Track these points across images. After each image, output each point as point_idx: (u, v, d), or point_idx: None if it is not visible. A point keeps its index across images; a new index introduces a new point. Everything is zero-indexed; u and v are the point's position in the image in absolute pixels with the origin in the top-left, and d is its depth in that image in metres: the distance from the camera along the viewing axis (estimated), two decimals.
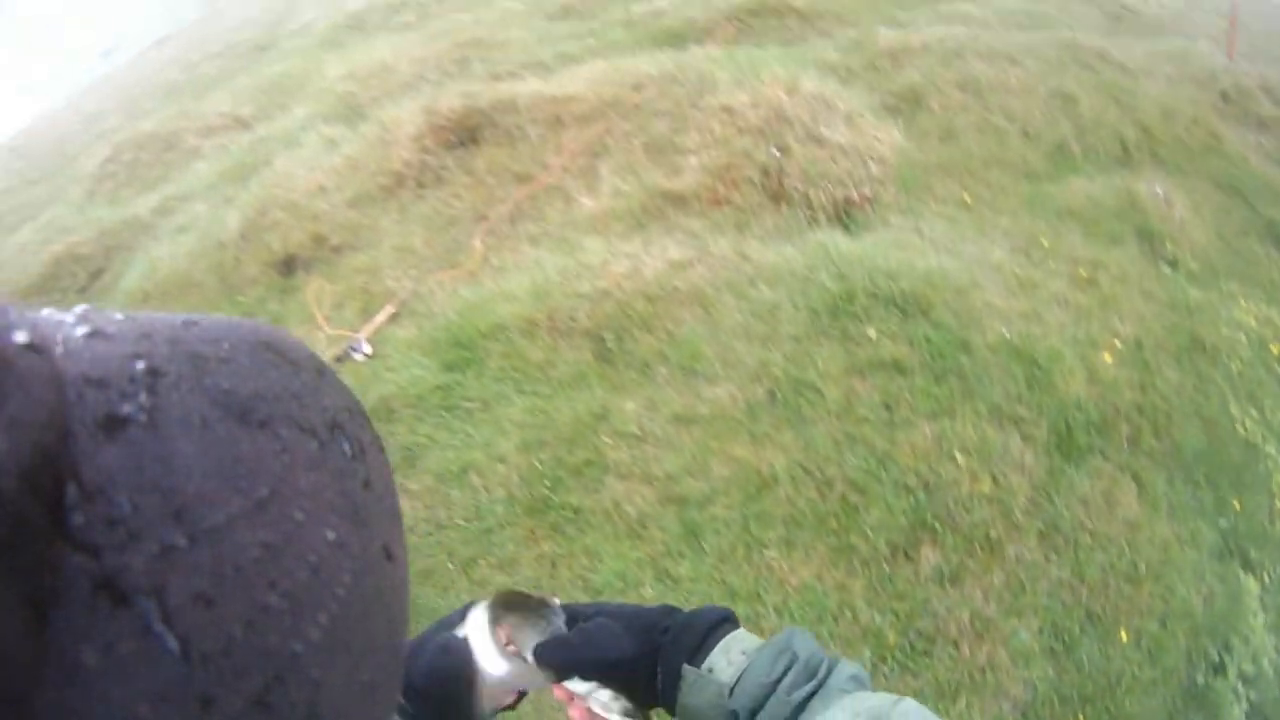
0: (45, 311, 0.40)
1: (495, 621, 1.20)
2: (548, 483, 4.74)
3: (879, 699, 1.04)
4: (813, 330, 5.16)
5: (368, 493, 0.46)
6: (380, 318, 6.16)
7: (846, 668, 1.11)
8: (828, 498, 4.39)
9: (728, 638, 1.18)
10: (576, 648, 1.18)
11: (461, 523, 4.74)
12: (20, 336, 0.33)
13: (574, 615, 1.23)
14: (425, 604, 4.34)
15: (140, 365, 0.37)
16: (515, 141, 7.66)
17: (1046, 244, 6.08)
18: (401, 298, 6.37)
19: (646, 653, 1.18)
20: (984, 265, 5.71)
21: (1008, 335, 5.10)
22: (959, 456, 4.45)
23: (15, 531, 0.29)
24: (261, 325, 0.47)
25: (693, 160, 6.79)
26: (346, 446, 0.45)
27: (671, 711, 1.18)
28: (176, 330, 0.41)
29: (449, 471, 4.89)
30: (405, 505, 4.66)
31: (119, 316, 0.41)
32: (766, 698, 1.08)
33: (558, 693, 1.21)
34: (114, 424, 0.34)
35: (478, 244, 6.70)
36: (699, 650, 1.17)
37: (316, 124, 9.80)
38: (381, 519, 0.47)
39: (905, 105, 7.69)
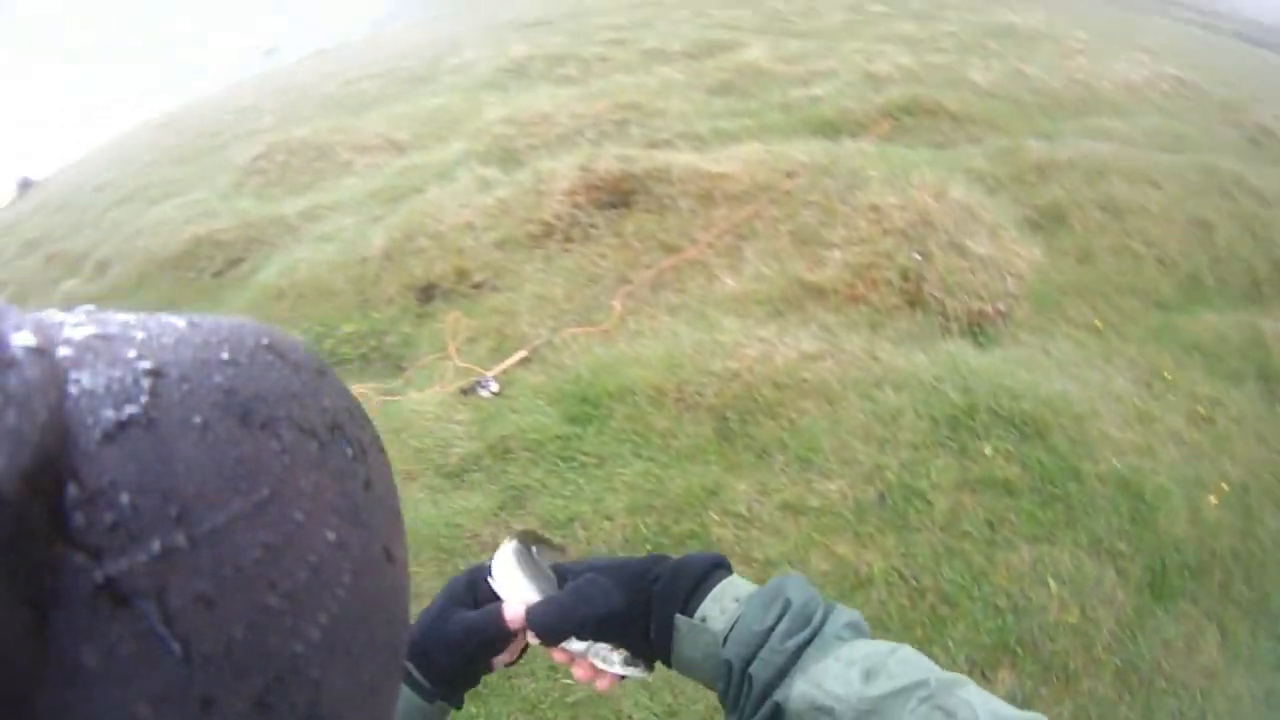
0: (47, 312, 0.41)
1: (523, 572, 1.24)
2: (649, 547, 4.77)
3: (875, 646, 1.07)
4: (931, 440, 5.16)
5: (368, 493, 0.47)
6: (512, 360, 6.26)
7: (843, 615, 1.12)
8: (918, 605, 4.39)
9: (720, 585, 1.19)
10: (568, 608, 1.18)
11: None
12: (22, 337, 0.34)
13: (564, 574, 1.25)
14: None
15: (141, 366, 0.38)
16: (666, 211, 7.75)
17: (1169, 377, 6.01)
18: (535, 344, 6.45)
19: (638, 604, 1.19)
20: (1106, 394, 5.67)
21: (1119, 467, 5.05)
22: (1052, 583, 4.43)
23: (16, 532, 0.29)
24: (262, 326, 0.49)
25: (836, 254, 6.84)
26: (347, 447, 0.47)
27: (668, 663, 1.21)
28: (178, 331, 0.43)
29: (555, 519, 4.93)
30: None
31: (121, 317, 0.42)
32: (759, 646, 1.08)
33: (557, 656, 1.22)
34: (115, 425, 0.35)
35: (617, 305, 6.77)
36: (690, 599, 1.18)
37: (471, 162, 9.96)
38: (382, 520, 0.49)
39: (1047, 222, 7.64)
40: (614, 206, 7.92)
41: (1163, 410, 5.69)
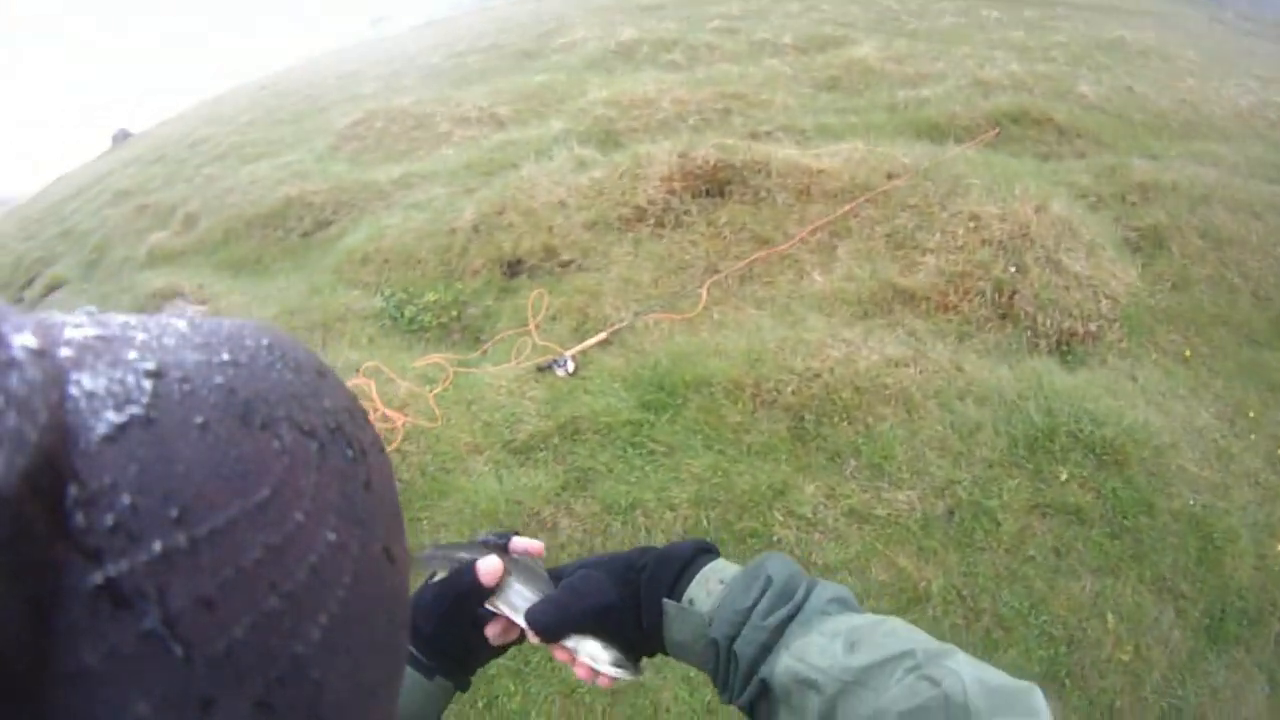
0: (48, 313, 0.41)
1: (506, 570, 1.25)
2: (709, 541, 4.76)
3: (862, 619, 1.07)
4: (1007, 459, 5.12)
5: (369, 494, 0.47)
6: (591, 341, 6.28)
7: (827, 589, 1.13)
8: (973, 626, 4.37)
9: (705, 569, 1.21)
10: (564, 604, 1.20)
11: None
12: (23, 338, 0.34)
13: (558, 575, 1.28)
14: None
15: (142, 367, 0.38)
16: (761, 203, 7.72)
17: (1253, 415, 5.88)
18: (616, 327, 6.48)
19: (629, 594, 1.22)
20: (1188, 427, 5.56)
21: (1192, 505, 4.97)
22: (1110, 618, 4.38)
23: (16, 533, 0.29)
24: (263, 327, 0.50)
25: (930, 260, 6.78)
26: (348, 448, 0.47)
27: (663, 649, 1.23)
28: (178, 332, 0.43)
29: (617, 504, 4.96)
30: (565, 524, 4.84)
31: (122, 319, 0.42)
32: (743, 624, 1.10)
33: (559, 654, 1.24)
34: (116, 426, 0.35)
35: (703, 294, 6.77)
36: (677, 584, 1.21)
37: (570, 141, 9.97)
38: (382, 520, 0.48)
39: (1146, 244, 7.50)
40: (709, 195, 7.90)
41: (1242, 449, 5.58)
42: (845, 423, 5.37)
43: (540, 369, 6.05)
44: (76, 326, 0.39)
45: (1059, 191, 7.61)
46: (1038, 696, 0.88)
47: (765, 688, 1.06)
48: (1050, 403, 5.42)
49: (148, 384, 0.37)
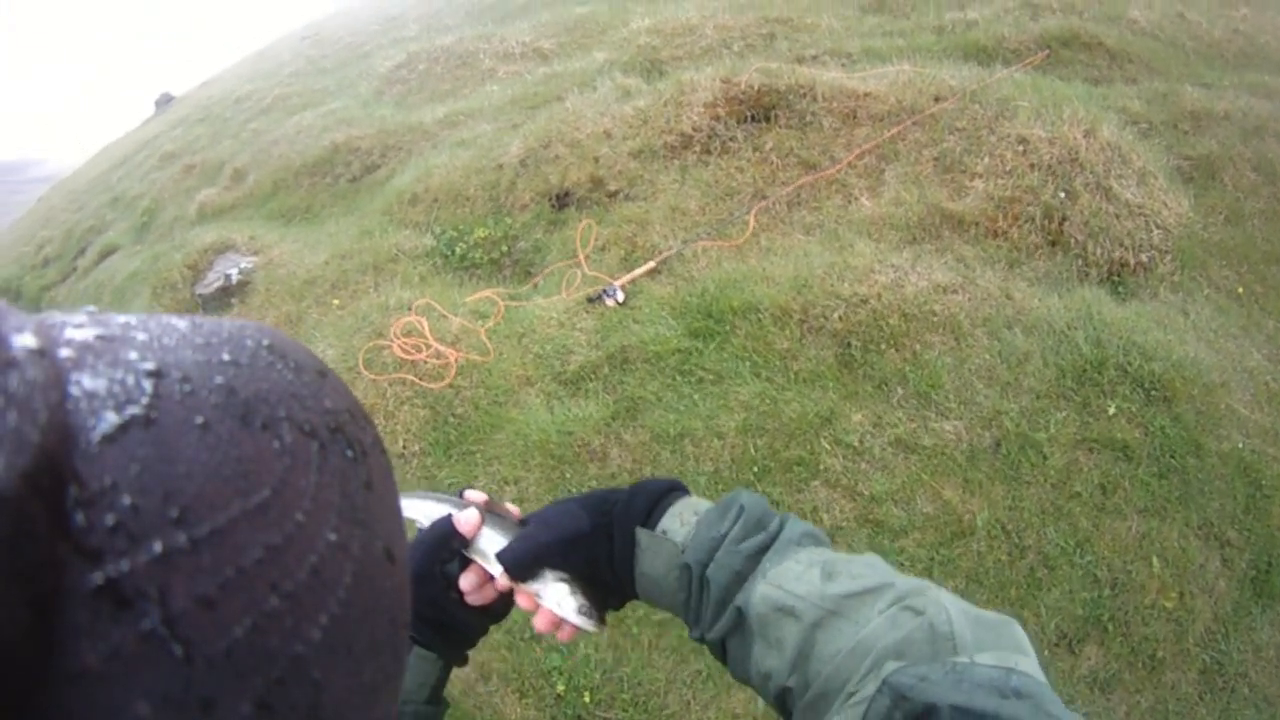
0: (49, 313, 0.41)
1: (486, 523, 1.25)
2: (756, 469, 4.79)
3: (836, 553, 1.08)
4: (1055, 390, 5.10)
5: (369, 494, 0.47)
6: (640, 270, 6.29)
7: (799, 524, 1.14)
8: (1017, 564, 4.37)
9: (678, 503, 1.22)
10: (534, 535, 1.21)
11: None
12: (23, 338, 0.34)
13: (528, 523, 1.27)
14: None
15: (143, 367, 0.38)
16: (807, 128, 7.66)
17: None
18: (664, 255, 6.49)
19: (602, 525, 1.22)
20: (1239, 367, 5.52)
21: (1241, 448, 4.93)
22: (1155, 562, 4.36)
23: (17, 533, 0.30)
24: (264, 327, 0.49)
25: (979, 185, 6.73)
26: (348, 448, 0.46)
27: (632, 588, 1.23)
28: (179, 332, 0.43)
29: (666, 433, 4.99)
30: (614, 453, 4.89)
31: (122, 318, 0.42)
32: (716, 550, 1.10)
33: (522, 601, 1.24)
34: (116, 426, 0.35)
35: (751, 220, 6.76)
36: (650, 515, 1.21)
37: (614, 71, 9.96)
38: (383, 520, 0.48)
39: (1199, 174, 7.39)
40: (754, 120, 7.85)
41: None
42: (892, 350, 5.37)
43: (590, 300, 6.07)
44: (77, 327, 0.39)
45: (1109, 116, 7.50)
46: (1019, 629, 0.90)
47: (740, 618, 1.06)
48: (1100, 333, 5.39)
49: (148, 384, 0.37)
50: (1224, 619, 4.29)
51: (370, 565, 0.44)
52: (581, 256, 6.77)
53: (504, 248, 7.61)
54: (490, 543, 1.23)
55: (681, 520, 1.18)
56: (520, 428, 5.17)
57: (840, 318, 5.52)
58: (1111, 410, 4.97)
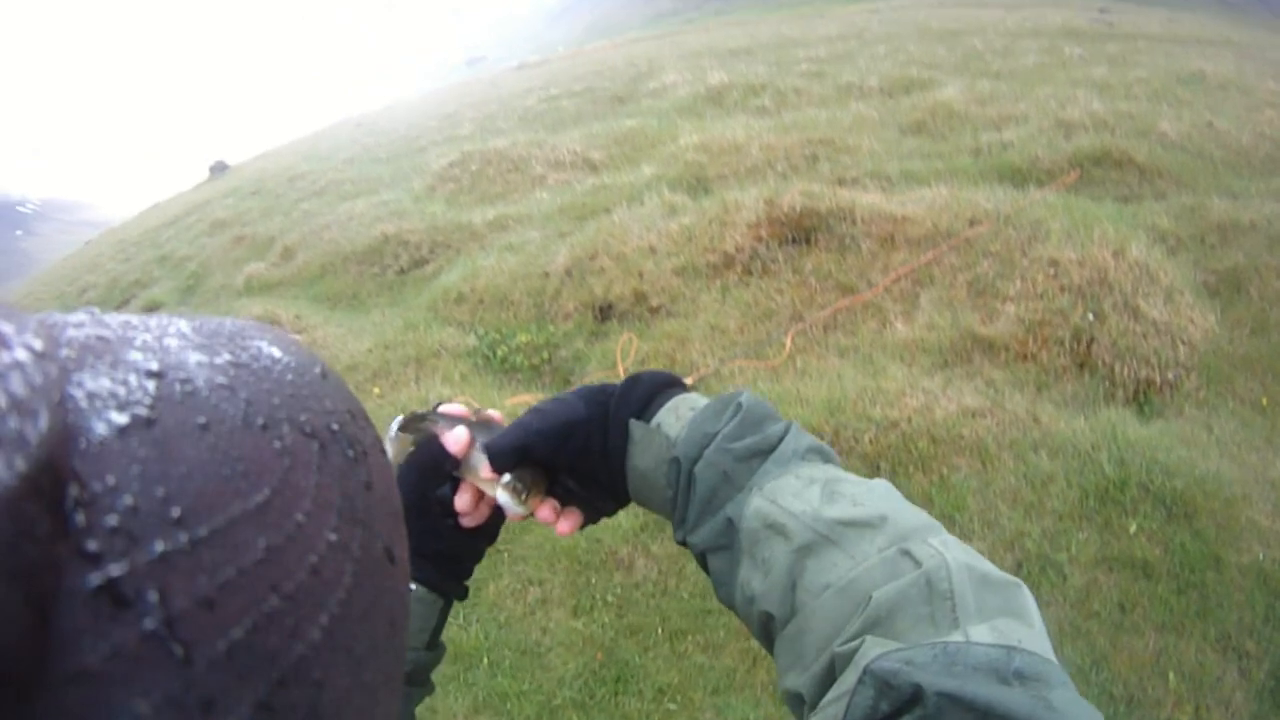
0: (49, 314, 0.41)
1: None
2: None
3: (844, 473, 1.03)
4: (1078, 511, 5.13)
5: (370, 494, 0.47)
6: None
7: (805, 437, 1.08)
8: None
9: (676, 398, 1.17)
10: (527, 423, 1.15)
11: (684, 599, 4.93)
12: (25, 338, 0.34)
13: None
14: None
15: (144, 367, 0.38)
16: (846, 251, 7.85)
17: None
18: (703, 373, 6.61)
19: (597, 416, 1.16)
20: (1261, 479, 5.50)
21: (1261, 560, 4.91)
22: (1172, 677, 4.32)
23: (17, 533, 0.29)
24: (265, 328, 0.49)
25: (1010, 309, 6.85)
26: (349, 449, 0.46)
27: (624, 485, 1.18)
28: (180, 333, 0.43)
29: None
30: (640, 564, 5.14)
31: (123, 318, 0.42)
32: (707, 446, 1.06)
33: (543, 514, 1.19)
34: (117, 427, 0.35)
35: (788, 342, 6.91)
36: (646, 408, 1.16)
37: (661, 186, 10.20)
38: (383, 521, 0.48)
39: (1225, 288, 7.46)
40: (795, 243, 8.05)
41: None
42: (920, 473, 5.45)
43: None
44: (78, 327, 0.40)
45: (1138, 235, 7.63)
46: (1027, 594, 0.85)
47: (731, 531, 1.03)
48: (1123, 453, 5.42)
49: (149, 384, 0.38)
50: None
51: (370, 565, 0.44)
52: (621, 369, 6.91)
53: (545, 354, 7.78)
54: (482, 459, 1.18)
55: (677, 415, 1.14)
56: (549, 531, 5.22)
57: (871, 440, 5.62)
58: (1132, 529, 5.02)
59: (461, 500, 1.21)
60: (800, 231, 8.11)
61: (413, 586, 1.21)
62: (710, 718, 4.31)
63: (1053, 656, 0.77)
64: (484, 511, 1.23)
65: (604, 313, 8.04)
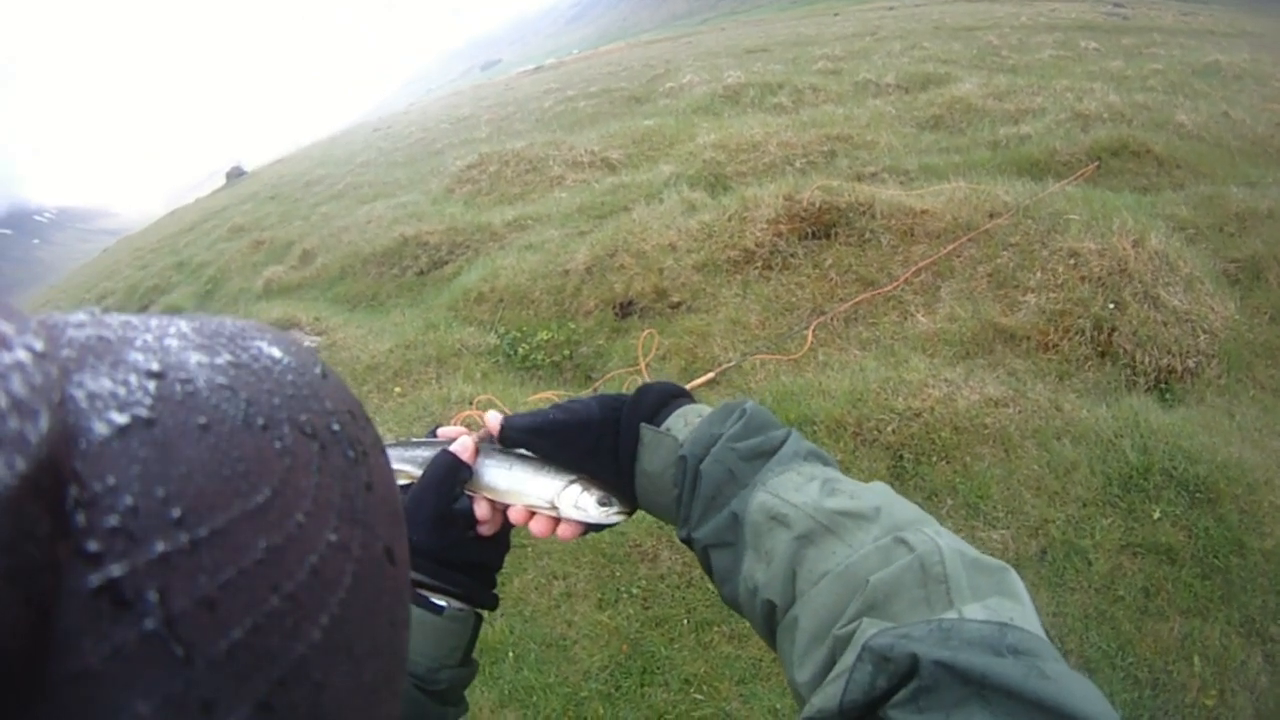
0: (50, 313, 0.41)
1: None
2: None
3: (841, 474, 1.09)
4: (1101, 498, 5.14)
5: (370, 495, 0.46)
6: (700, 380, 6.38)
7: (805, 443, 1.15)
8: None
9: (685, 407, 1.25)
10: (545, 413, 1.25)
11: (709, 591, 4.86)
12: (26, 339, 0.34)
13: None
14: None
15: (144, 368, 0.38)
16: (866, 245, 7.89)
17: None
18: (724, 367, 6.66)
19: (610, 419, 1.24)
20: None
21: None
22: (1197, 661, 4.32)
23: (18, 534, 0.29)
24: (265, 328, 0.49)
25: (1031, 299, 6.89)
26: (349, 449, 0.46)
27: (631, 489, 1.25)
28: (180, 333, 0.43)
29: None
30: (665, 555, 5.19)
31: (123, 319, 0.42)
32: (713, 445, 1.12)
33: (514, 516, 1.27)
34: (118, 427, 0.35)
35: (809, 335, 6.94)
36: (658, 415, 1.24)
37: (680, 184, 10.24)
38: (383, 521, 0.47)
39: (1244, 275, 7.51)
40: (815, 237, 8.08)
41: None
42: (943, 462, 5.47)
43: None
44: (79, 327, 0.40)
45: (1157, 225, 7.64)
46: (1016, 577, 0.88)
47: (736, 525, 1.08)
48: (1146, 440, 5.44)
49: (150, 385, 0.38)
50: (1265, 715, 4.25)
51: (370, 566, 0.44)
52: (643, 365, 6.98)
53: (566, 351, 7.84)
54: (487, 468, 1.27)
55: (686, 421, 1.22)
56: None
57: (893, 431, 5.65)
58: (1156, 515, 5.02)
59: (481, 509, 1.28)
60: (820, 226, 8.14)
61: (444, 604, 1.27)
62: (737, 707, 4.33)
63: (1044, 635, 0.81)
64: (499, 521, 1.31)
65: (625, 309, 8.09)
